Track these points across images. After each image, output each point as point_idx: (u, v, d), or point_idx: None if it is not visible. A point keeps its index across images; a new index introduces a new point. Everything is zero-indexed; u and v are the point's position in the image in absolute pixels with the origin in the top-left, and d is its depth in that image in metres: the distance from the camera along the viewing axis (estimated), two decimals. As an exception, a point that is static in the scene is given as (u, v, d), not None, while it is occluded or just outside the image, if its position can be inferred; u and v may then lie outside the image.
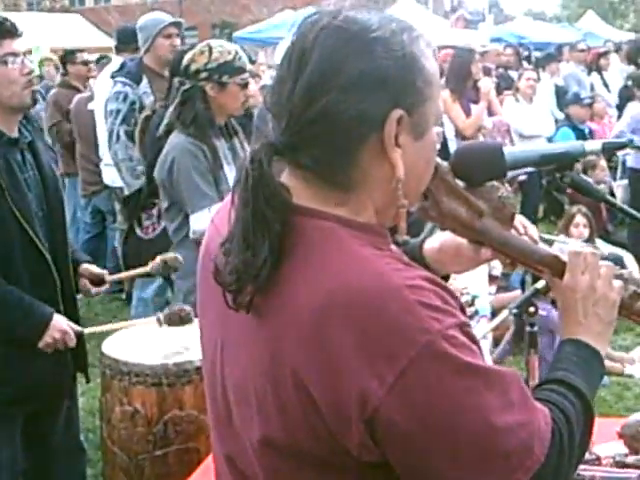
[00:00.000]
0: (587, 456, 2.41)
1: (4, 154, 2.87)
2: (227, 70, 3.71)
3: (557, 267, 1.60)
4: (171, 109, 3.79)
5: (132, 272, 3.65)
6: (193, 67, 3.74)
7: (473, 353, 1.28)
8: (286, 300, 1.29)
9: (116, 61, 6.33)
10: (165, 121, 3.81)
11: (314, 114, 1.28)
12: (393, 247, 1.39)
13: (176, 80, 3.83)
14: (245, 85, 3.79)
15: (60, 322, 2.99)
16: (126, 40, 6.39)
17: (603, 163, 8.43)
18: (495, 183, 1.57)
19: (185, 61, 3.79)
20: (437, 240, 1.75)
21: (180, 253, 3.54)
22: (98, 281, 3.31)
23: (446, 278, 1.80)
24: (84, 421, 4.44)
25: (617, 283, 1.58)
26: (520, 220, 1.64)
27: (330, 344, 1.23)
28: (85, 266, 3.29)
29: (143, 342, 3.33)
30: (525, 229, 1.65)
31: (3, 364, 2.96)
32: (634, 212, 1.69)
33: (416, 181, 1.39)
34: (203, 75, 3.71)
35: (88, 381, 3.43)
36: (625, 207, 1.71)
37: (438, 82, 1.37)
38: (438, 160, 1.48)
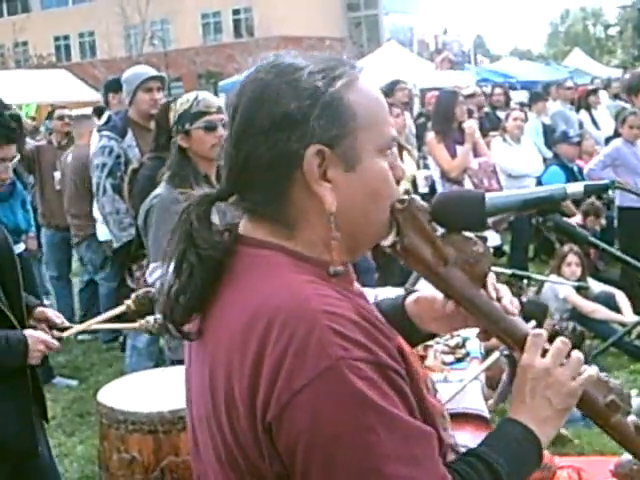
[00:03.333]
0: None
1: None
2: (187, 118, 3.77)
3: (520, 342, 1.51)
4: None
5: (106, 315, 3.64)
6: (170, 124, 3.85)
7: (384, 394, 1.28)
8: (222, 320, 1.39)
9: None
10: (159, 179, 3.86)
11: (241, 161, 1.39)
12: (353, 285, 1.48)
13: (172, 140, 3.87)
14: (211, 128, 3.77)
15: (34, 335, 3.12)
16: (114, 82, 6.67)
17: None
18: (473, 237, 1.51)
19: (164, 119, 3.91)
20: (417, 293, 1.72)
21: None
22: (61, 327, 3.35)
23: (433, 336, 1.76)
24: (83, 469, 4.43)
25: (584, 376, 1.50)
26: (494, 284, 1.53)
27: (248, 358, 1.31)
28: (39, 309, 3.35)
29: (139, 389, 3.38)
30: (498, 294, 1.53)
31: None
32: (620, 254, 1.67)
33: (360, 212, 1.42)
34: (174, 129, 3.81)
35: (47, 422, 3.44)
36: (611, 249, 1.68)
37: (369, 114, 1.40)
38: (414, 196, 1.50)
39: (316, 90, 1.37)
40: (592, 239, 1.67)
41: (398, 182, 1.48)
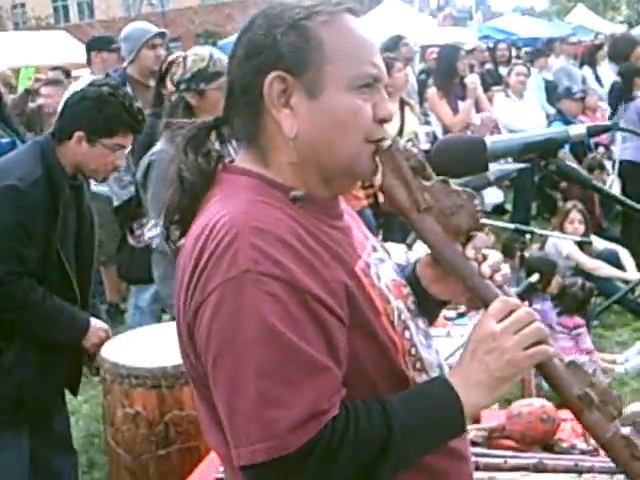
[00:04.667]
0: (585, 447, 2.41)
1: (65, 203, 3.16)
2: (202, 77, 3.70)
3: (486, 304, 1.49)
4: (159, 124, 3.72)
5: None
6: (175, 79, 3.76)
7: (286, 314, 1.34)
8: (186, 241, 1.49)
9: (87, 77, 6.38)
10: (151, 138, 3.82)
11: (228, 90, 1.52)
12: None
13: (165, 92, 3.87)
14: None
15: (98, 323, 3.32)
16: (103, 41, 6.78)
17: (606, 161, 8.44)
18: (459, 190, 1.49)
19: (168, 74, 3.86)
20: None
21: (157, 258, 3.69)
22: None
23: (444, 303, 1.74)
24: (89, 427, 4.49)
25: (535, 349, 1.46)
26: (476, 245, 1.52)
27: (189, 267, 1.41)
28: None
29: (142, 345, 3.45)
30: (477, 255, 1.52)
31: (8, 375, 3.10)
32: (623, 198, 1.64)
33: (323, 141, 1.47)
34: (182, 86, 3.72)
35: (75, 396, 3.58)
36: (612, 193, 1.66)
37: (341, 49, 1.46)
38: (398, 138, 1.52)
39: (291, 22, 1.45)
40: (596, 184, 1.64)
41: (383, 121, 1.50)
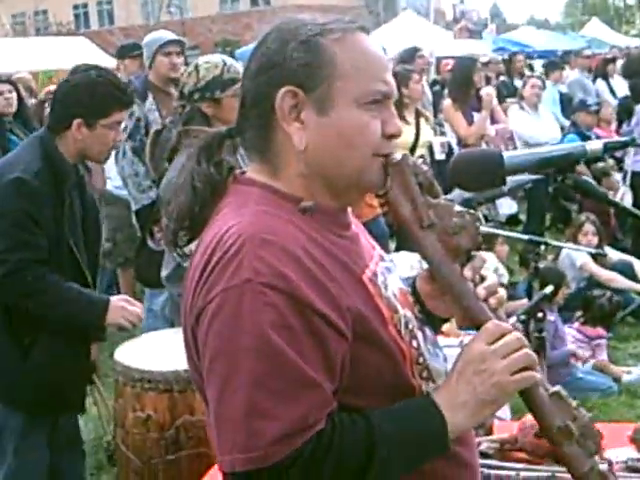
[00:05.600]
0: (598, 461, 2.40)
1: (70, 192, 3.22)
2: (217, 85, 3.61)
3: (478, 326, 1.50)
4: (174, 132, 3.71)
5: None
6: (186, 89, 3.69)
7: (284, 326, 1.36)
8: (195, 251, 1.52)
9: None
10: (170, 145, 3.72)
11: (241, 103, 1.55)
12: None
13: (177, 104, 3.79)
14: None
15: (117, 303, 3.26)
16: (128, 48, 6.79)
17: (615, 173, 8.44)
18: (463, 210, 1.52)
19: (180, 84, 3.76)
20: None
21: (169, 264, 3.68)
22: None
23: (444, 320, 1.75)
24: (98, 429, 4.49)
25: (522, 375, 1.46)
26: (475, 266, 1.54)
27: (193, 273, 1.47)
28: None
29: (155, 349, 3.43)
30: (475, 276, 1.54)
31: (31, 367, 3.13)
32: (637, 211, 1.68)
33: (330, 155, 1.51)
34: (196, 96, 3.65)
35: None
36: (628, 207, 1.70)
37: (352, 66, 1.49)
38: (409, 154, 1.56)
39: (304, 39, 1.49)
40: (611, 198, 1.68)
41: (392, 137, 1.53)
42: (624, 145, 1.60)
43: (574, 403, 1.51)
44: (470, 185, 1.53)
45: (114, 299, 3.28)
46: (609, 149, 1.56)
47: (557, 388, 1.52)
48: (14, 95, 6.55)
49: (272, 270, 1.37)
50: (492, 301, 1.53)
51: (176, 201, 1.57)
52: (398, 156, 1.53)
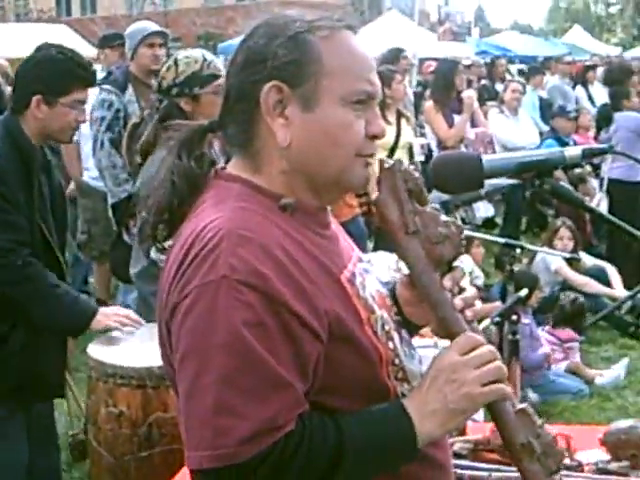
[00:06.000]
0: (568, 462, 2.41)
1: (38, 174, 3.17)
2: (196, 81, 3.55)
3: (453, 337, 1.52)
4: (150, 127, 3.62)
5: None
6: (164, 84, 3.61)
7: (258, 324, 1.36)
8: (173, 246, 1.51)
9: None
10: (143, 138, 3.64)
11: (224, 97, 1.54)
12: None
13: (155, 97, 3.70)
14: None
15: (106, 311, 3.28)
16: (110, 38, 6.75)
17: (591, 179, 8.50)
18: (449, 220, 1.54)
19: (158, 77, 3.68)
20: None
21: (139, 261, 3.64)
22: None
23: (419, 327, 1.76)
24: (70, 425, 4.45)
25: (492, 387, 1.48)
26: (455, 277, 1.56)
27: (169, 268, 1.46)
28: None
29: (128, 345, 3.37)
30: (454, 286, 1.56)
31: (11, 352, 3.10)
32: (613, 218, 1.69)
33: (314, 153, 1.50)
34: (175, 91, 3.57)
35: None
36: (604, 213, 1.71)
37: (339, 64, 1.49)
38: (403, 161, 1.58)
39: (291, 34, 1.48)
40: (587, 204, 1.69)
41: (374, 138, 1.54)
42: (602, 152, 1.61)
43: (539, 421, 1.52)
44: (449, 187, 1.54)
45: (102, 309, 3.28)
46: (587, 156, 1.57)
47: (524, 405, 1.53)
48: None
49: (249, 267, 1.37)
50: (468, 313, 1.54)
51: (155, 195, 1.56)
52: (390, 161, 1.55)
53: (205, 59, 3.60)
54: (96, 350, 3.30)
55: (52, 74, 3.09)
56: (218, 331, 1.35)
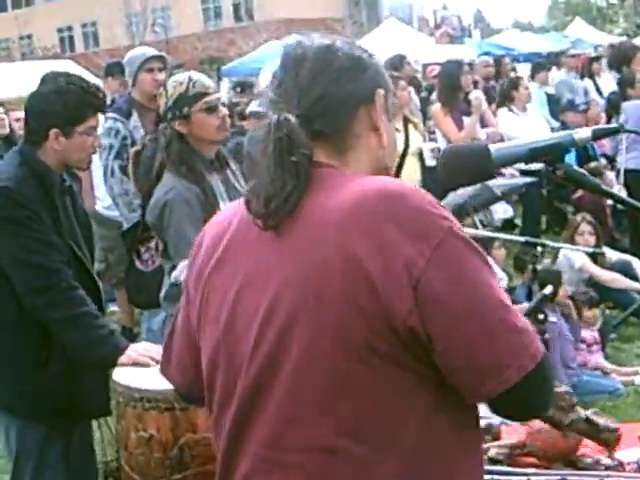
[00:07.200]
0: (609, 462, 2.36)
1: (61, 197, 3.23)
2: (184, 102, 3.57)
3: None
4: (158, 157, 3.70)
5: None
6: (161, 111, 3.68)
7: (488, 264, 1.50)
8: (311, 220, 1.52)
9: None
10: (156, 163, 3.72)
11: (318, 94, 1.61)
12: None
13: (162, 127, 3.73)
14: (213, 108, 3.62)
15: (137, 348, 3.25)
16: (112, 67, 6.85)
17: (607, 172, 8.44)
18: None
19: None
20: None
21: (174, 291, 3.50)
22: None
23: None
24: (104, 452, 4.46)
25: None
26: None
27: (375, 229, 1.46)
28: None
29: (154, 368, 3.35)
30: None
31: (51, 375, 3.16)
32: (633, 201, 1.64)
33: (390, 157, 1.67)
34: (169, 115, 3.62)
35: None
36: (622, 196, 1.66)
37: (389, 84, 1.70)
38: None
39: (367, 55, 1.68)
40: (604, 188, 1.64)
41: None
42: (613, 131, 1.56)
43: None
44: (458, 179, 1.50)
45: (132, 345, 3.27)
46: (598, 136, 1.53)
47: None
48: (7, 118, 6.61)
49: (448, 215, 1.50)
50: None
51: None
52: None
53: (190, 79, 3.64)
54: (122, 375, 3.30)
55: (65, 106, 3.13)
56: (474, 271, 1.47)
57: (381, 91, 1.64)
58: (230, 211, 1.73)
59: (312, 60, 1.65)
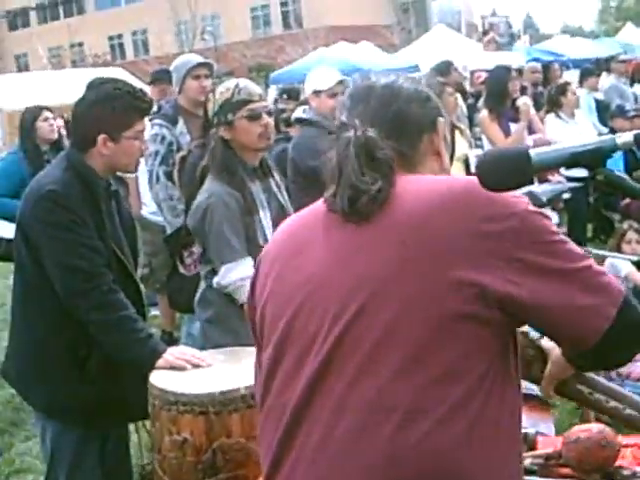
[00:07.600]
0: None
1: (106, 201, 3.29)
2: (228, 108, 3.64)
3: None
4: (207, 156, 3.76)
5: None
6: (209, 116, 3.74)
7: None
8: (402, 207, 1.67)
9: None
10: (200, 168, 3.77)
11: (391, 113, 1.81)
12: None
13: (212, 132, 3.79)
14: (256, 116, 3.66)
15: (174, 352, 3.28)
16: (158, 76, 6.90)
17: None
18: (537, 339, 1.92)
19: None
20: None
21: (211, 297, 3.67)
22: None
23: None
24: (140, 456, 4.48)
25: None
26: None
27: (463, 214, 1.61)
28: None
29: (190, 371, 3.38)
30: None
31: (88, 376, 3.20)
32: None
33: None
34: (215, 120, 3.68)
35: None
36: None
37: None
38: None
39: (427, 89, 1.89)
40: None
41: None
42: (657, 136, 1.52)
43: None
44: (497, 183, 1.48)
45: (170, 349, 3.29)
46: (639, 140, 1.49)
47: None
48: (56, 124, 6.73)
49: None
50: None
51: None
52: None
53: (237, 86, 3.68)
54: (158, 378, 3.31)
55: (113, 112, 3.18)
56: (560, 235, 1.64)
57: (442, 119, 1.86)
58: (303, 215, 1.89)
59: (380, 91, 1.84)
